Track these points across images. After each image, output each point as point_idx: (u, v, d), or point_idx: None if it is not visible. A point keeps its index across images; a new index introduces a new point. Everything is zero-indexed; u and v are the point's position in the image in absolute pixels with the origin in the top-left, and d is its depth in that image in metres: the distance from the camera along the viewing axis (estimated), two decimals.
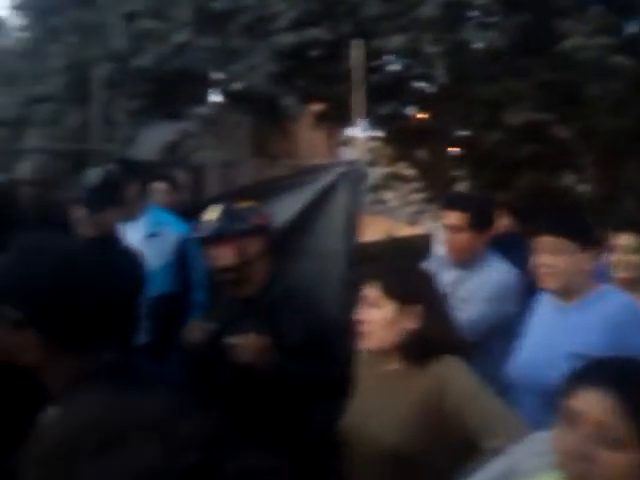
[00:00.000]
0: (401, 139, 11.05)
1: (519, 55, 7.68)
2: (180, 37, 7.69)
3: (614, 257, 2.43)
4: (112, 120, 7.20)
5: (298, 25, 8.13)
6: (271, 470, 0.54)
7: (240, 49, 7.96)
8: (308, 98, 9.35)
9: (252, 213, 2.33)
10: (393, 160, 12.26)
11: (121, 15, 7.96)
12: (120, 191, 2.75)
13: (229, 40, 7.98)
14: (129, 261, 2.58)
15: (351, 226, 3.50)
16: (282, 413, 2.12)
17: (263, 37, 7.96)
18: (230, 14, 8.07)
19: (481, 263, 2.62)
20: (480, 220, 2.59)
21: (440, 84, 8.27)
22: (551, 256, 1.99)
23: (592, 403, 0.98)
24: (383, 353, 1.76)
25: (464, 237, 2.59)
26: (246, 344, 2.11)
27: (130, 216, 3.03)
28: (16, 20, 10.26)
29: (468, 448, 1.46)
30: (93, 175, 2.73)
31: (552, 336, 2.05)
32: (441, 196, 10.42)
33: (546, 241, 2.01)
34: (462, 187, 10.26)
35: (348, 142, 13.11)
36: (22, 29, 9.93)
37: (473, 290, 2.50)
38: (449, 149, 10.56)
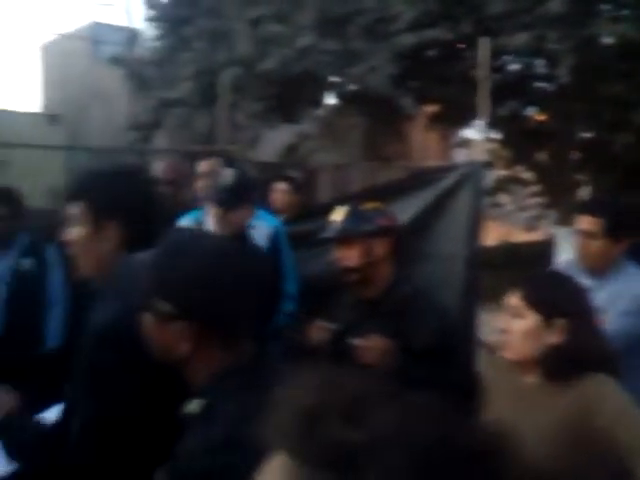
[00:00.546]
0: (520, 141, 10.68)
1: None
2: (303, 41, 7.84)
3: None
4: (236, 123, 7.48)
5: (417, 26, 8.06)
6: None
7: (360, 51, 8.01)
8: (423, 99, 9.25)
9: (378, 214, 2.32)
10: (510, 162, 11.88)
11: (247, 21, 8.24)
12: (251, 191, 2.84)
13: (349, 43, 8.05)
14: (260, 258, 2.67)
15: (473, 229, 3.42)
16: None
17: (383, 39, 7.96)
18: (350, 17, 8.14)
19: (617, 272, 2.47)
20: (616, 227, 2.45)
21: (562, 83, 7.90)
22: None
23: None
24: (521, 365, 1.69)
25: (597, 244, 2.46)
26: (369, 346, 2.11)
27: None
28: (150, 31, 10.91)
29: (616, 468, 1.38)
30: (226, 175, 2.82)
31: None
32: (561, 201, 9.98)
33: None
34: (584, 192, 9.75)
35: (464, 144, 12.85)
36: (156, 39, 10.52)
37: (608, 301, 2.36)
38: (571, 151, 10.07)
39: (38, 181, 9.84)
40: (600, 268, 2.49)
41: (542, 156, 10.35)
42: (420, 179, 3.73)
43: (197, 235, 1.30)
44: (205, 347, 1.12)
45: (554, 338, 1.62)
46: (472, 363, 2.65)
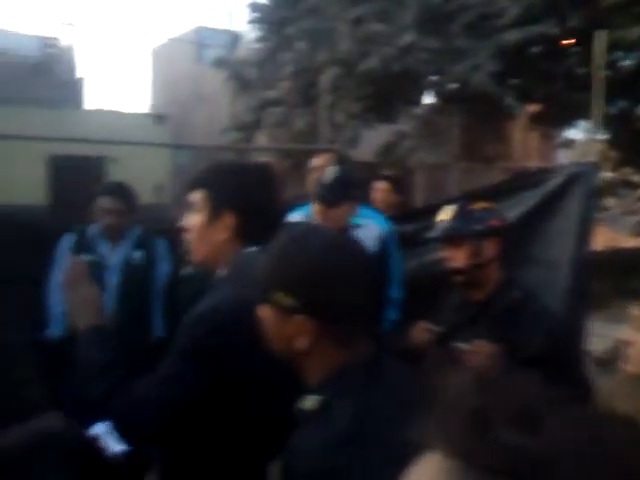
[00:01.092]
0: (629, 141, 10.11)
1: None
2: (405, 39, 7.78)
3: None
4: (335, 122, 7.53)
5: (522, 21, 7.80)
6: None
7: (462, 49, 7.85)
8: (525, 98, 8.94)
9: (489, 214, 2.24)
10: (619, 164, 11.29)
11: (348, 21, 8.27)
12: (353, 189, 2.82)
13: (451, 40, 7.90)
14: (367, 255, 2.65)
15: (583, 233, 3.26)
16: None
17: (486, 36, 7.76)
18: (453, 14, 7.99)
19: None
20: None
21: None
22: None
23: None
24: None
25: None
26: (476, 350, 2.04)
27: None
28: (252, 33, 11.19)
29: None
30: (328, 172, 2.82)
31: None
32: None
33: None
34: None
35: (567, 144, 12.30)
36: (257, 40, 10.78)
37: None
38: None
39: (144, 178, 10.36)
40: None
41: None
42: (526, 180, 3.60)
43: (315, 229, 1.29)
44: (323, 343, 1.11)
45: None
46: (583, 372, 2.52)
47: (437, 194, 11.21)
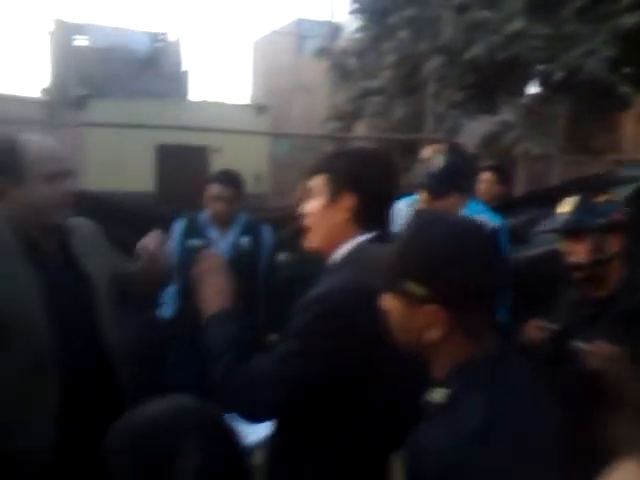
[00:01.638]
0: None
1: None
2: (513, 26, 7.49)
3: None
4: (437, 111, 7.38)
5: (638, 5, 7.31)
6: None
7: (574, 35, 7.46)
8: (638, 86, 8.38)
9: (613, 207, 2.12)
10: None
11: (453, 8, 8.08)
12: (462, 179, 2.73)
13: (562, 26, 7.53)
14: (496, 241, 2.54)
15: None
16: None
17: (600, 20, 7.33)
18: None
19: None
20: None
21: None
22: None
23: None
24: None
25: None
26: (598, 351, 1.93)
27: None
28: (353, 23, 11.19)
29: None
30: (436, 161, 2.74)
31: None
32: None
33: None
34: None
35: None
36: (358, 30, 10.77)
37: None
38: None
39: (245, 168, 10.63)
40: None
41: None
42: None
43: (444, 215, 1.25)
44: (454, 334, 1.08)
45: None
46: None
47: (539, 187, 10.76)
